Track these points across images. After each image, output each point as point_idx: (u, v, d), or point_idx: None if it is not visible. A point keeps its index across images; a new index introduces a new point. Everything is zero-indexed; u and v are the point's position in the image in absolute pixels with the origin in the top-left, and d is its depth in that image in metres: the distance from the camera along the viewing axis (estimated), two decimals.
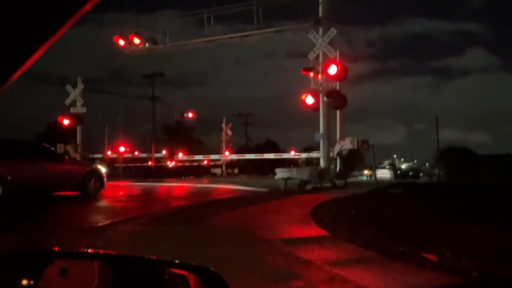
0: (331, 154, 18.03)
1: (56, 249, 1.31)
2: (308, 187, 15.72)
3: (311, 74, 17.69)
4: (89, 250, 1.30)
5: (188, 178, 35.29)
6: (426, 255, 4.76)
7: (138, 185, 20.75)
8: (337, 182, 17.74)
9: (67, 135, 32.53)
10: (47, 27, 0.71)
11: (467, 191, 16.48)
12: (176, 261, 1.19)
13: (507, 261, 4.81)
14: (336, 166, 18.34)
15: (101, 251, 1.30)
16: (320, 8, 18.28)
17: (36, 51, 0.74)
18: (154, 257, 1.20)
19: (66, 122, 23.76)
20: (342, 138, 18.24)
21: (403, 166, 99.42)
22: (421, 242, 5.58)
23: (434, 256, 4.73)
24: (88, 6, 0.72)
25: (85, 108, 23.93)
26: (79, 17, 0.72)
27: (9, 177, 10.38)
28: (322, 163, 18.05)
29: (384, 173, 58.46)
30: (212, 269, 1.12)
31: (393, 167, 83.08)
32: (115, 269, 1.16)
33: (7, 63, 0.74)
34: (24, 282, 1.16)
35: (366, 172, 68.17)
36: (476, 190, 17.41)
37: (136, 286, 1.16)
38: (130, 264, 1.21)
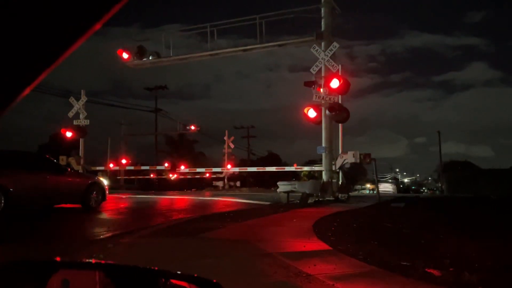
0: (333, 168, 18.00)
1: (59, 259, 1.31)
2: (310, 200, 15.68)
3: (313, 87, 17.76)
4: (91, 260, 1.30)
5: (190, 190, 35.24)
6: (428, 270, 4.73)
7: (140, 198, 20.73)
8: (340, 195, 17.69)
9: (70, 147, 32.65)
10: (59, 43, 0.73)
11: (470, 204, 16.42)
12: (178, 272, 1.19)
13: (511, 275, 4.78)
14: (338, 180, 18.31)
15: (103, 261, 1.30)
16: (322, 22, 18.42)
17: (48, 66, 0.75)
18: (156, 268, 1.20)
19: (69, 134, 23.80)
20: (345, 151, 18.23)
21: (406, 180, 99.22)
22: (423, 256, 5.54)
23: (437, 270, 4.70)
24: (98, 25, 0.73)
25: (88, 121, 24.02)
26: (90, 34, 0.74)
27: (12, 189, 10.40)
28: (324, 177, 18.02)
29: (386, 187, 58.45)
30: (214, 280, 1.12)
31: (395, 181, 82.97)
32: (116, 280, 1.16)
33: (20, 79, 0.76)
34: None
35: (368, 186, 68.13)
36: (478, 202, 17.36)
37: None
38: (132, 274, 1.21)
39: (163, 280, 1.18)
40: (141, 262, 5.13)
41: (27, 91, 0.79)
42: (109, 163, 33.38)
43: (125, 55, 22.05)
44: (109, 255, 5.60)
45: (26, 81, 0.77)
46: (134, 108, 49.90)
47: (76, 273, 1.20)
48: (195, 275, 1.15)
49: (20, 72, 0.76)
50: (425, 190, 68.99)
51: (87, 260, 1.29)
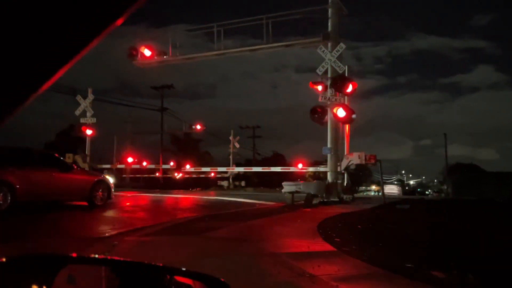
0: (338, 169, 17.97)
1: (66, 254, 1.33)
2: (315, 201, 15.66)
3: (319, 88, 17.74)
4: (97, 256, 1.31)
5: (195, 190, 35.28)
6: (432, 272, 4.72)
7: (145, 196, 20.80)
8: (345, 196, 17.65)
9: (76, 144, 32.80)
10: (77, 43, 0.74)
11: (475, 207, 16.33)
12: (183, 269, 1.19)
13: None
14: (343, 181, 18.27)
15: (110, 257, 1.31)
16: (329, 23, 18.40)
17: (63, 66, 0.77)
18: (161, 264, 1.21)
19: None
20: (350, 153, 18.19)
21: (411, 182, 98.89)
22: (428, 258, 5.53)
23: (441, 272, 4.68)
24: (115, 25, 0.74)
25: (95, 119, 24.12)
26: (106, 34, 0.75)
27: (18, 186, 10.47)
28: (329, 178, 17.99)
29: (392, 189, 58.26)
30: (222, 280, 1.12)
31: (401, 183, 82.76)
32: (122, 276, 1.17)
33: (34, 79, 0.77)
34: (36, 287, 1.18)
35: (373, 187, 67.97)
36: (484, 205, 17.26)
37: None
38: (138, 271, 1.22)
39: (168, 277, 1.19)
40: (145, 260, 5.14)
41: (41, 90, 0.80)
42: (115, 161, 33.51)
43: (132, 54, 22.12)
44: (114, 252, 5.62)
45: (41, 80, 0.78)
46: (140, 107, 49.97)
47: (82, 269, 1.21)
48: (199, 272, 1.15)
49: (35, 71, 0.77)
50: (431, 193, 68.70)
51: (93, 256, 1.31)
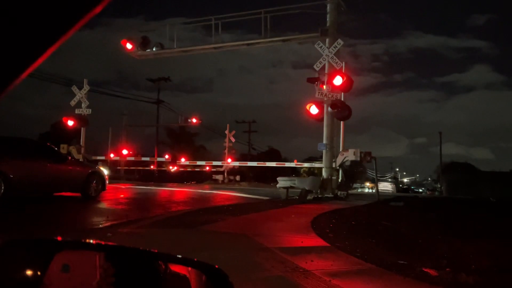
0: (333, 165, 18.00)
1: (60, 238, 1.32)
2: (309, 197, 15.69)
3: (316, 84, 17.73)
4: (93, 241, 1.30)
5: (189, 183, 35.28)
6: (425, 269, 4.74)
7: (140, 189, 20.76)
8: (339, 193, 17.70)
9: (71, 135, 32.68)
10: (57, 27, 0.72)
11: (469, 206, 16.43)
12: (179, 256, 1.18)
13: (508, 276, 4.79)
14: (338, 177, 18.31)
15: (103, 242, 1.30)
16: (327, 18, 18.37)
17: (45, 51, 0.74)
18: (156, 250, 1.20)
19: (70, 123, 23.74)
20: (345, 149, 18.21)
21: (405, 180, 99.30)
22: (421, 255, 5.56)
23: (434, 270, 4.71)
24: (98, 9, 0.72)
25: (90, 110, 23.98)
26: (89, 18, 0.73)
27: (12, 175, 10.41)
28: (324, 173, 18.02)
29: (386, 186, 58.48)
30: (217, 266, 1.10)
31: (395, 181, 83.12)
32: (117, 264, 1.16)
33: (14, 64, 0.75)
34: (30, 272, 1.17)
35: (368, 184, 68.22)
36: (477, 204, 17.36)
37: (139, 281, 1.16)
38: (133, 257, 1.21)
39: (163, 266, 1.18)
40: None
41: (21, 77, 0.78)
42: (110, 153, 33.42)
43: (129, 46, 22.03)
44: None
45: (23, 65, 0.76)
46: (137, 99, 49.95)
47: (77, 257, 1.20)
48: (195, 259, 1.14)
49: (14, 56, 0.75)
50: (426, 191, 69.02)
51: (89, 241, 1.30)
